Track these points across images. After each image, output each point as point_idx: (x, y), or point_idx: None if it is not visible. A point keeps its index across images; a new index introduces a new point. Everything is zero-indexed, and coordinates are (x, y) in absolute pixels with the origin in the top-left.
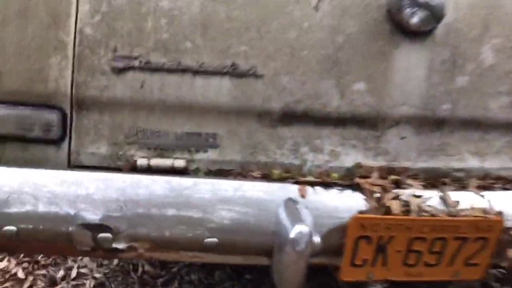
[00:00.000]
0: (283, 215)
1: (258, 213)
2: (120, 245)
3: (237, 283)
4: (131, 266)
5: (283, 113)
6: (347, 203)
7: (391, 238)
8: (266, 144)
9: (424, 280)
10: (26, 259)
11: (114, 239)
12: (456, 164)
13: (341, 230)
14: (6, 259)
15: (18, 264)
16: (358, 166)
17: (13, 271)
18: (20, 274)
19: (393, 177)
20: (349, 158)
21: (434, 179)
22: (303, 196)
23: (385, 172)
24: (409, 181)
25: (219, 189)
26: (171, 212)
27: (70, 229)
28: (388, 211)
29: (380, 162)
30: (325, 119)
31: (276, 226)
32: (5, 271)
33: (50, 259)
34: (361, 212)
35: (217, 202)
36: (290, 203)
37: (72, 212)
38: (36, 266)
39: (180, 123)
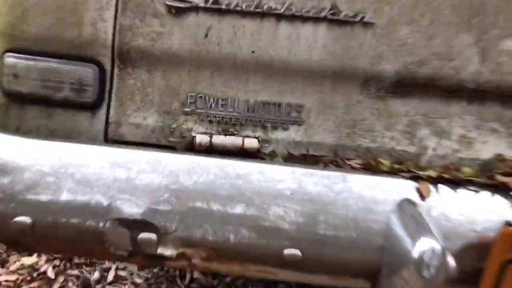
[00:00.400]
0: (396, 224)
1: (360, 218)
2: (168, 251)
3: None
4: (177, 272)
5: (398, 79)
6: (487, 210)
7: None
8: (371, 123)
9: None
10: (58, 255)
11: (160, 243)
12: None
13: (480, 249)
14: (35, 254)
15: (48, 261)
16: (500, 159)
17: (42, 269)
18: (50, 273)
19: None
20: (488, 148)
21: None
22: (423, 197)
23: None
24: None
25: (304, 182)
26: (238, 209)
27: (102, 225)
28: None
29: None
30: (456, 90)
31: (386, 238)
32: (33, 268)
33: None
34: (509, 223)
35: (301, 200)
36: (406, 206)
37: (105, 202)
38: (68, 265)
39: (254, 89)
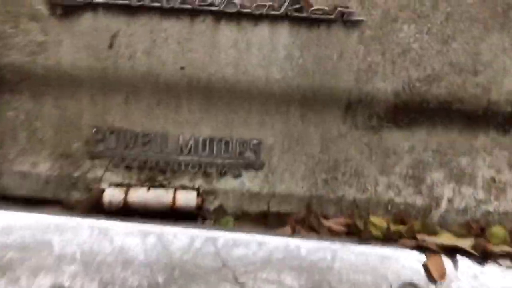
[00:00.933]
0: None
1: None
2: None
3: None
4: None
5: (397, 103)
6: None
7: None
8: (358, 163)
9: None
10: None
11: None
12: None
13: None
14: None
15: None
16: None
17: None
18: None
19: None
20: None
21: None
22: (434, 279)
23: None
24: None
25: (264, 256)
26: None
27: None
28: None
29: None
30: (484, 115)
31: None
32: None
33: None
34: None
35: (268, 280)
36: None
37: None
38: None
39: (189, 120)
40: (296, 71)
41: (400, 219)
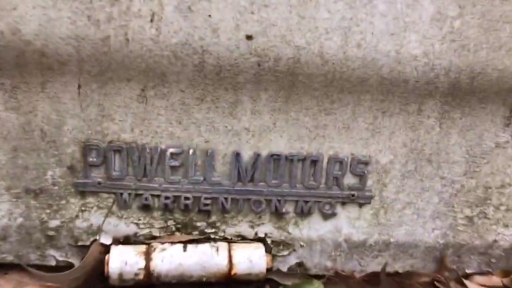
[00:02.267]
0: None
1: None
2: None
3: None
4: None
5: None
6: None
7: None
8: None
9: None
10: None
11: None
12: None
13: None
14: None
15: None
16: None
17: None
18: None
19: None
20: None
21: None
22: None
23: None
24: None
25: None
26: None
27: None
28: None
29: None
30: None
31: None
32: None
33: None
34: None
35: None
36: None
37: None
38: None
39: (255, 126)
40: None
41: None
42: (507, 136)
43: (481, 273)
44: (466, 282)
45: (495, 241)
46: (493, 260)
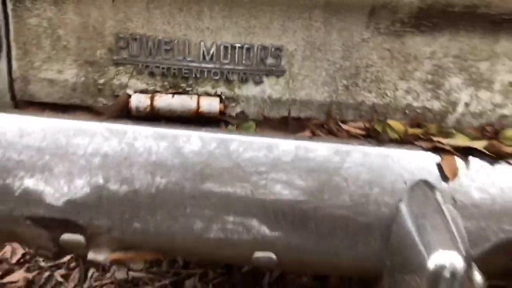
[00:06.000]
0: (407, 219)
1: (354, 206)
2: (101, 256)
3: None
4: None
5: (421, 8)
6: None
7: None
8: (379, 69)
9: None
10: None
11: (89, 245)
12: None
13: None
14: None
15: None
16: None
17: None
18: None
19: None
20: None
21: None
22: (447, 178)
23: None
24: None
25: (283, 156)
26: (189, 190)
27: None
28: None
29: None
30: (509, 19)
31: (390, 238)
32: None
33: None
34: None
35: (278, 180)
36: (421, 193)
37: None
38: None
39: (212, 26)
40: None
41: (417, 123)
42: (368, 34)
43: (353, 121)
44: (342, 125)
45: (363, 101)
46: (362, 113)
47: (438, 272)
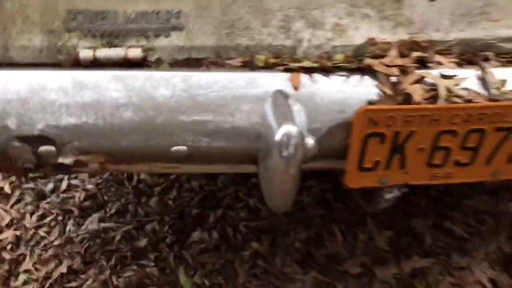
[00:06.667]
0: (270, 113)
1: (238, 111)
2: (67, 160)
3: (242, 188)
4: (125, 175)
5: None
6: (354, 93)
7: (411, 134)
8: (248, 21)
9: (453, 183)
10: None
11: (59, 153)
12: (504, 33)
13: (345, 127)
14: None
15: (4, 178)
16: (371, 42)
17: None
18: (7, 189)
19: (416, 54)
20: (360, 33)
21: (472, 54)
22: (295, 87)
23: (406, 48)
24: (438, 58)
25: (188, 84)
26: (126, 116)
27: (4, 143)
28: (407, 99)
29: (401, 35)
30: None
31: (262, 128)
32: None
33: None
34: (370, 102)
35: (185, 100)
36: (279, 97)
37: (3, 122)
38: (24, 180)
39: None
40: None
41: (277, 56)
42: None
43: (234, 58)
44: (227, 61)
45: (239, 44)
46: (240, 52)
47: (282, 138)
